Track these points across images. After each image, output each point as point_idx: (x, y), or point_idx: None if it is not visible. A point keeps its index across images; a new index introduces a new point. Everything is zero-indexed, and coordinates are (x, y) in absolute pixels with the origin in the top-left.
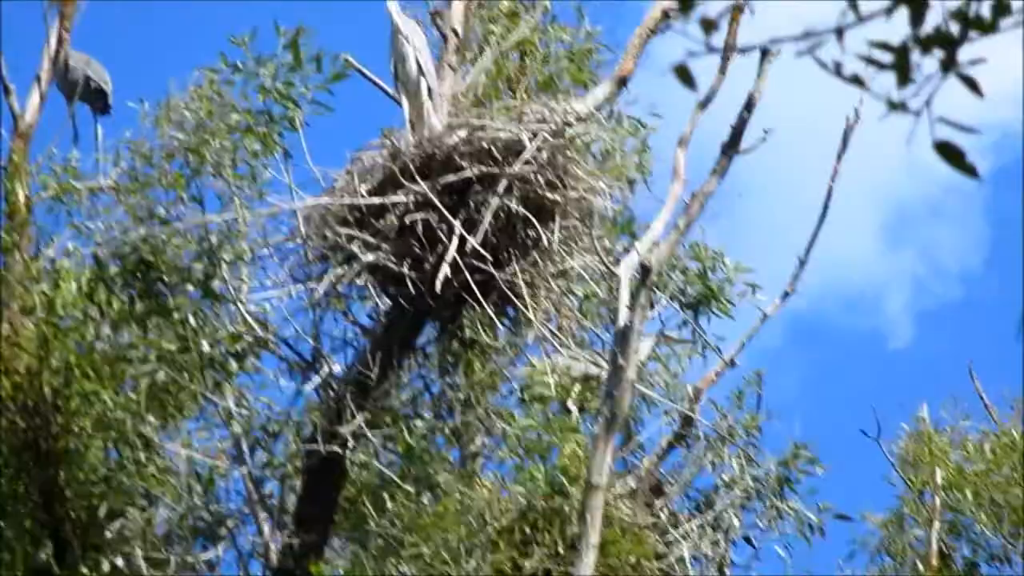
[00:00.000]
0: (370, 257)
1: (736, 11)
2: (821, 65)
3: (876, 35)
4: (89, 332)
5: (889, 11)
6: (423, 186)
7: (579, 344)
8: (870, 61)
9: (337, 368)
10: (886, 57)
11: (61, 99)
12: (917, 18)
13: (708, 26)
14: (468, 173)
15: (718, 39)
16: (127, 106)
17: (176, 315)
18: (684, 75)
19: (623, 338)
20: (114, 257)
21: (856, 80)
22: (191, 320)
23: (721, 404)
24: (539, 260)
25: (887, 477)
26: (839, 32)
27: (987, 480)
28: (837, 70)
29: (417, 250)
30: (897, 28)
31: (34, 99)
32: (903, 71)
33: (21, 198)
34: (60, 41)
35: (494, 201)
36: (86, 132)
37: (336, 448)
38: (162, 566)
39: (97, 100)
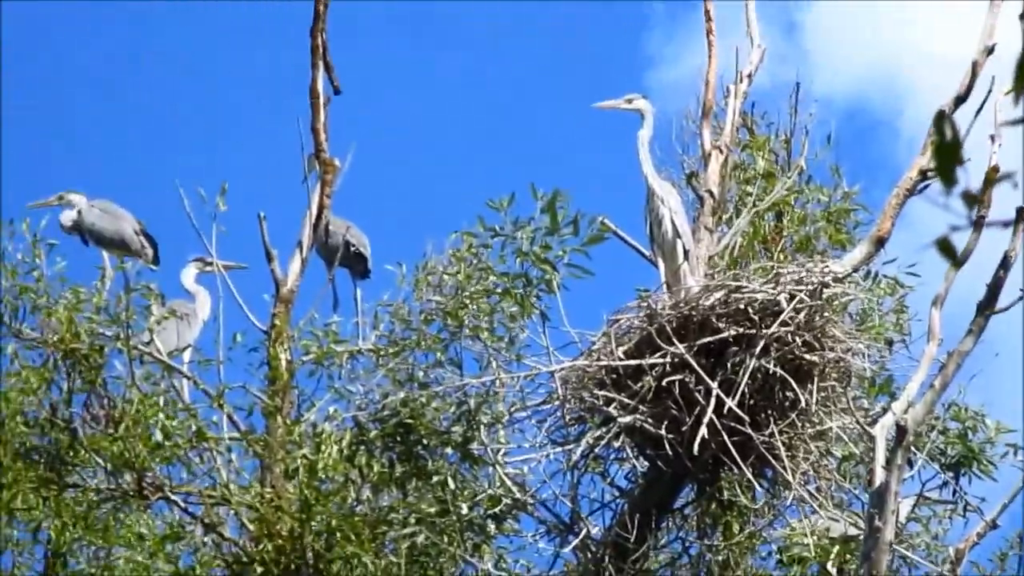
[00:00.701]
0: (627, 419)
1: (992, 173)
2: None
3: None
4: (350, 495)
5: None
6: (680, 348)
7: (838, 505)
8: None
9: (595, 530)
10: None
11: (321, 264)
12: None
13: (971, 200)
14: (725, 334)
15: (976, 205)
16: (385, 269)
17: (435, 478)
18: (947, 249)
19: (880, 499)
20: (374, 420)
21: None
22: (450, 483)
23: (983, 566)
24: (797, 421)
25: None
26: None
27: None
28: None
29: (674, 412)
30: None
31: (295, 264)
32: None
33: (283, 363)
34: (321, 207)
35: (751, 362)
36: (345, 296)
37: None
38: None
39: (357, 265)
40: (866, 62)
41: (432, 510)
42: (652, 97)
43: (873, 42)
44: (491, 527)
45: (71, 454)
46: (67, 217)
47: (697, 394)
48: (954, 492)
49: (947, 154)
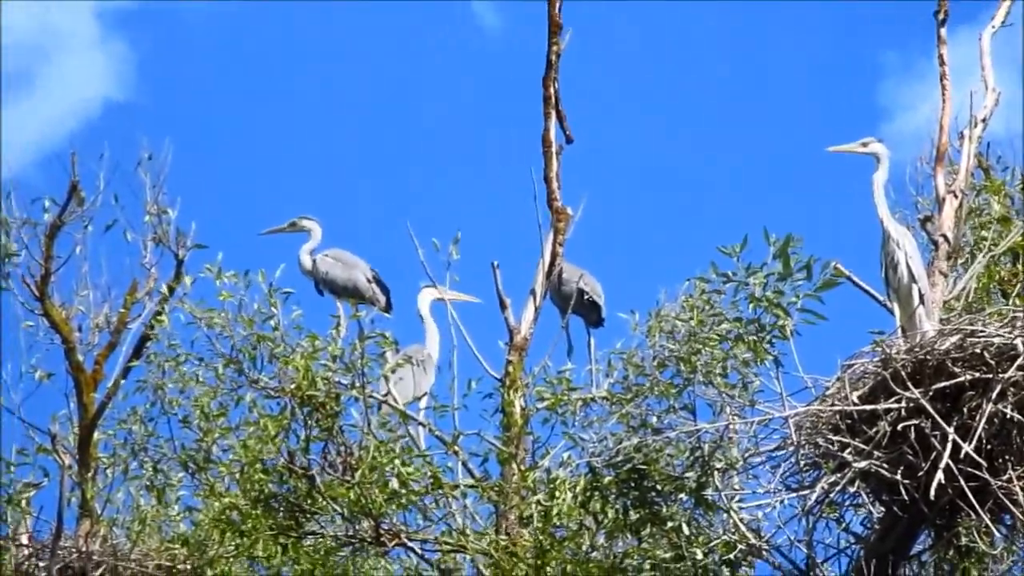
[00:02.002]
0: (863, 464)
1: None
2: None
3: None
4: (585, 541)
5: None
6: (915, 392)
7: None
8: None
9: None
10: None
11: (555, 312)
12: None
13: None
14: (961, 379)
15: None
16: (618, 317)
17: (670, 524)
18: None
19: None
20: (608, 466)
21: None
22: (685, 529)
23: None
24: None
25: None
26: None
27: None
28: None
29: (910, 457)
30: None
31: (529, 312)
32: None
33: (518, 409)
34: (554, 255)
35: (988, 407)
36: (579, 344)
37: None
38: None
39: (591, 313)
40: None
41: (667, 556)
42: (886, 144)
43: None
44: (725, 573)
45: (309, 501)
46: (305, 251)
47: (933, 439)
48: None
49: None
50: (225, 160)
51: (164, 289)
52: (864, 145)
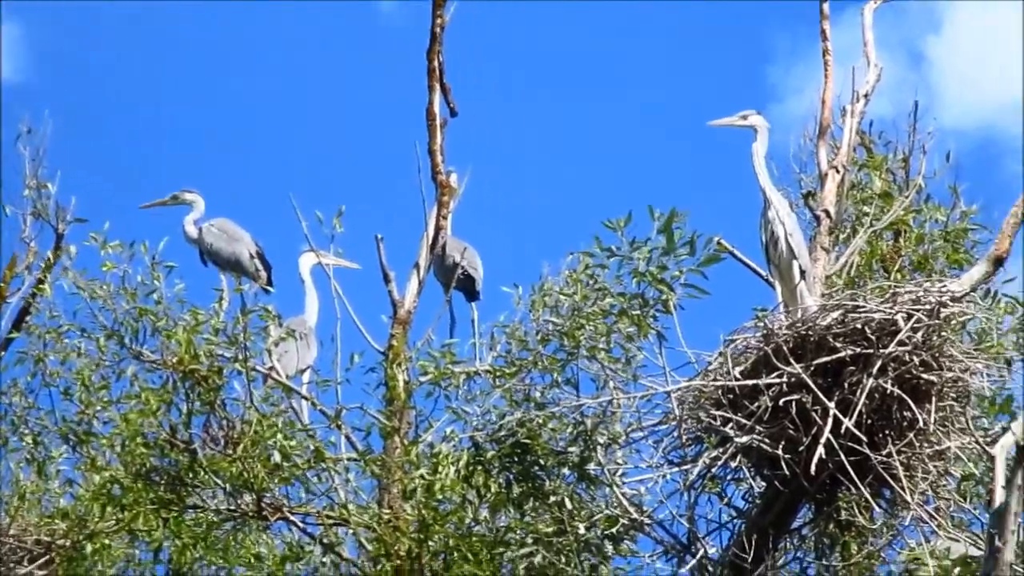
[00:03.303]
0: (744, 439)
1: None
2: None
3: None
4: (467, 515)
5: None
6: (797, 368)
7: (957, 526)
8: None
9: (712, 551)
10: None
11: (439, 286)
12: None
13: None
14: (842, 354)
15: None
16: (502, 290)
17: (552, 498)
18: None
19: (1000, 519)
20: (491, 441)
21: None
22: (567, 503)
23: None
24: (915, 441)
25: None
26: None
27: None
28: None
29: (791, 431)
30: None
31: (412, 286)
32: None
33: (401, 383)
34: (437, 229)
35: (869, 382)
36: (463, 317)
37: None
38: None
39: (468, 287)
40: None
41: (549, 530)
42: (773, 126)
43: (1000, 74)
44: (608, 547)
45: (191, 475)
46: (189, 221)
47: (814, 414)
48: None
49: None
50: (113, 138)
51: (49, 257)
52: (744, 118)
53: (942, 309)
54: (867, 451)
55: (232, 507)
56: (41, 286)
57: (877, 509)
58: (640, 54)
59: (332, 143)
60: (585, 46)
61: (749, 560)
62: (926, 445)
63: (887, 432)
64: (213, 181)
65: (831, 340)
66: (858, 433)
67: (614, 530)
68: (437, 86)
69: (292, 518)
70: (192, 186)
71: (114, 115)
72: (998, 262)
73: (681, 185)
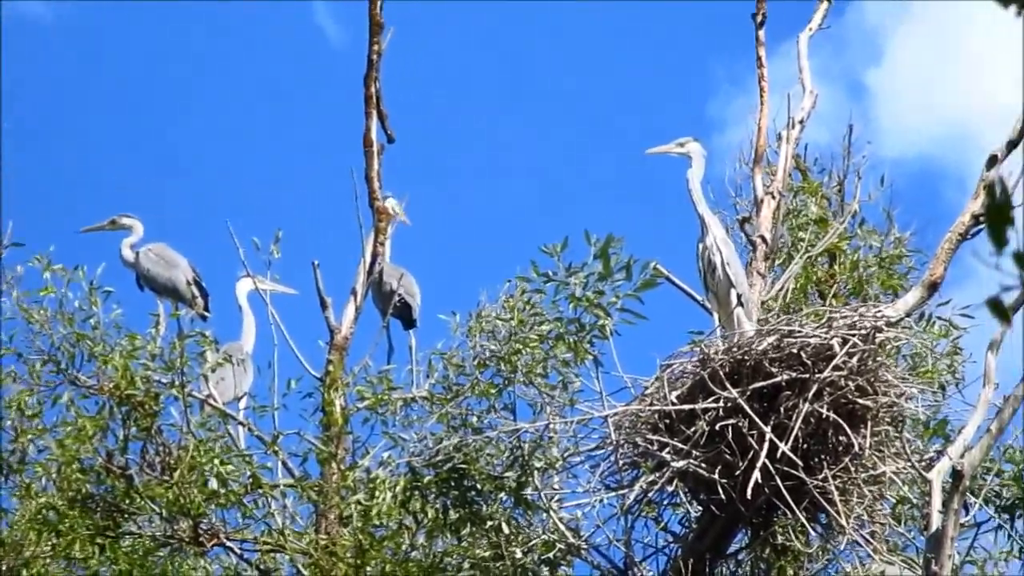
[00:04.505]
0: (681, 463)
1: None
2: None
3: None
4: (404, 541)
5: None
6: (733, 392)
7: (892, 549)
8: None
9: (649, 575)
10: None
11: (376, 312)
12: None
13: (1022, 262)
14: (778, 379)
15: None
16: (439, 318)
17: (489, 523)
18: (998, 310)
19: (937, 544)
20: (428, 466)
21: None
22: (504, 528)
23: None
24: (850, 465)
25: None
26: None
27: None
28: None
29: (728, 456)
30: None
31: (350, 312)
32: None
33: (338, 409)
34: (374, 255)
35: (804, 407)
36: (400, 344)
37: None
38: None
39: (404, 314)
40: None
41: (486, 555)
42: (712, 157)
43: (941, 104)
44: (545, 572)
45: (127, 501)
46: (127, 244)
47: (750, 439)
48: (1008, 535)
49: (998, 216)
50: (50, 161)
51: None
52: (680, 145)
53: (877, 334)
54: (803, 476)
55: (169, 533)
56: None
57: (813, 533)
58: (581, 82)
59: (270, 168)
60: (526, 75)
61: None
62: (861, 469)
63: (823, 456)
64: (150, 205)
65: (767, 365)
66: (794, 458)
67: (551, 555)
68: (374, 112)
69: (229, 544)
70: (128, 210)
71: (48, 138)
72: (933, 287)
73: (619, 211)
